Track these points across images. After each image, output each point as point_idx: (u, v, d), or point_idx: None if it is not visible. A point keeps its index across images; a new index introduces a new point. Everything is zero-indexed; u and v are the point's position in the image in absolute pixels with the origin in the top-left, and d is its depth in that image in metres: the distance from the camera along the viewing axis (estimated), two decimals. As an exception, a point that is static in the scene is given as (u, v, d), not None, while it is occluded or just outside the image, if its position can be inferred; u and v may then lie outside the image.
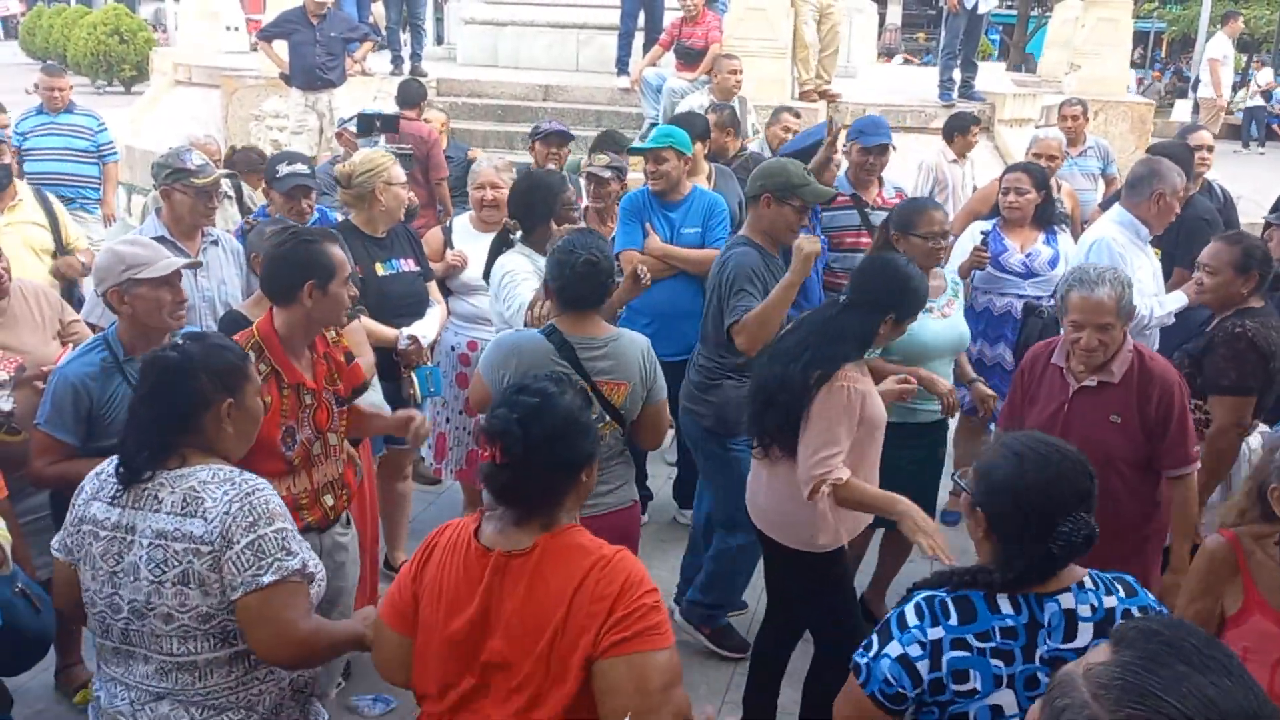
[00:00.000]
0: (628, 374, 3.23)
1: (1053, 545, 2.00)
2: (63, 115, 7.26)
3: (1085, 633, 2.05)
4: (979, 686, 2.01)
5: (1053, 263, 5.12)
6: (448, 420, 4.76)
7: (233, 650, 2.29)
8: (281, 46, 9.07)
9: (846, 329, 3.24)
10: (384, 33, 12.03)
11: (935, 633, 2.03)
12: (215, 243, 4.26)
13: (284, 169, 4.68)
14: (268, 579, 2.20)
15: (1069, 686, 1.23)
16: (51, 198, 5.35)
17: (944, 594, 2.08)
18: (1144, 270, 4.43)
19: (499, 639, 2.04)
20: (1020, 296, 5.12)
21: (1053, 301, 4.85)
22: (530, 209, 4.23)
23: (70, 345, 3.58)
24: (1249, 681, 1.20)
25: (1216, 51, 16.34)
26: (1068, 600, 2.05)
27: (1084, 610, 2.05)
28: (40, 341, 3.57)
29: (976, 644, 2.02)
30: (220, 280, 4.20)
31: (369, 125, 5.81)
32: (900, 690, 2.04)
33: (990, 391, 4.33)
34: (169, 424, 2.31)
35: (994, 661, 2.01)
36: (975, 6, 9.81)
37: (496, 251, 4.26)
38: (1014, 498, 2.04)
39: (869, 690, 2.08)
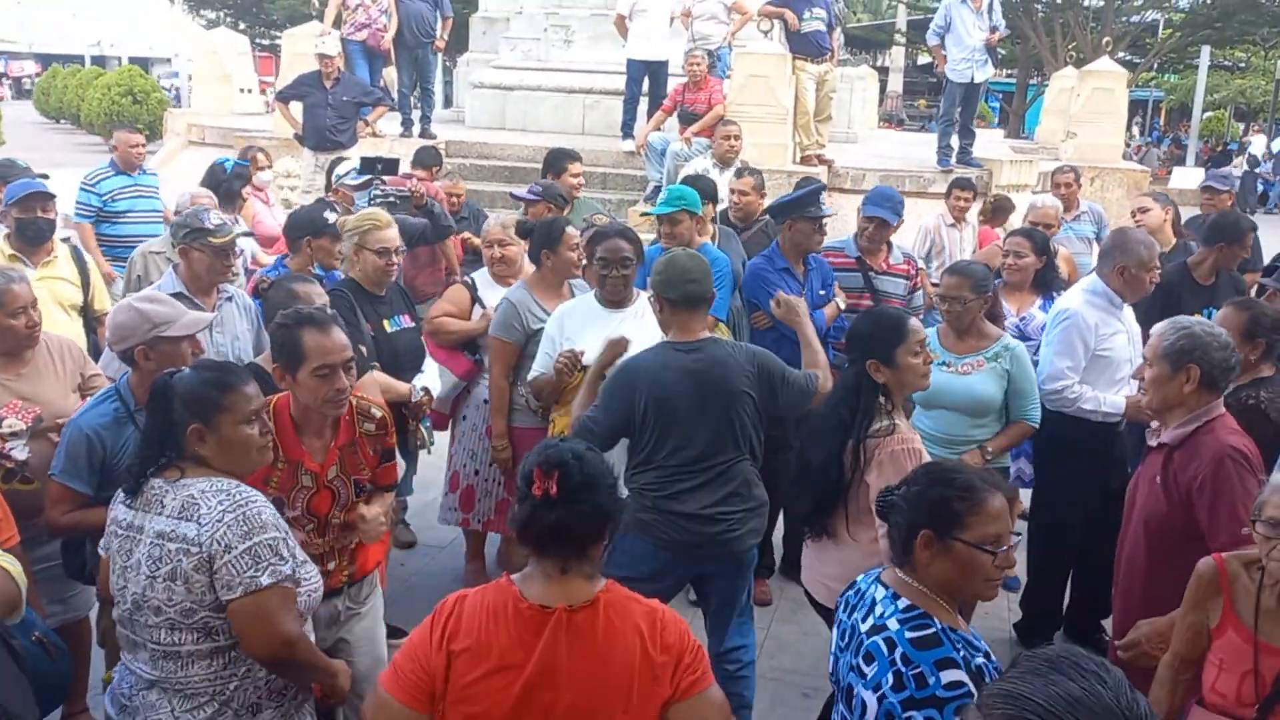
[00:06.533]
0: None
1: None
2: (141, 176, 7.15)
3: None
4: None
5: (1045, 328, 5.19)
6: (476, 472, 4.83)
7: (214, 645, 2.48)
8: (299, 109, 9.30)
9: (845, 395, 3.32)
10: (395, 96, 12.30)
11: None
12: (230, 299, 4.35)
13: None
14: (265, 580, 2.43)
15: (967, 712, 1.39)
16: (90, 261, 5.33)
17: None
18: (1119, 338, 4.43)
19: (570, 693, 2.08)
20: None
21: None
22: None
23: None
24: (1123, 687, 1.31)
25: None
26: None
27: None
28: (60, 394, 3.65)
29: None
30: (234, 335, 4.29)
31: (370, 166, 5.96)
32: None
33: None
34: (155, 438, 2.56)
35: None
36: (972, 76, 10.01)
37: None
38: None
39: None
